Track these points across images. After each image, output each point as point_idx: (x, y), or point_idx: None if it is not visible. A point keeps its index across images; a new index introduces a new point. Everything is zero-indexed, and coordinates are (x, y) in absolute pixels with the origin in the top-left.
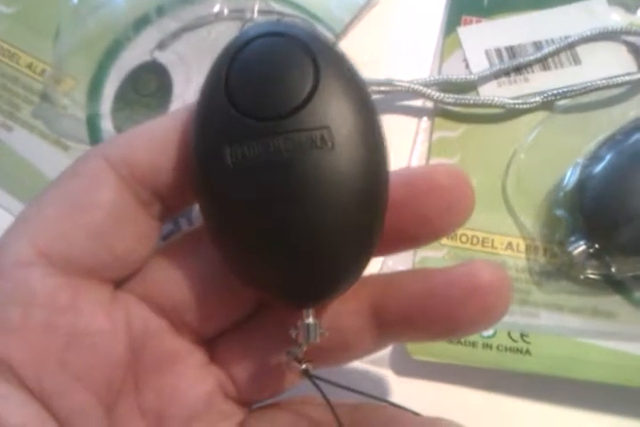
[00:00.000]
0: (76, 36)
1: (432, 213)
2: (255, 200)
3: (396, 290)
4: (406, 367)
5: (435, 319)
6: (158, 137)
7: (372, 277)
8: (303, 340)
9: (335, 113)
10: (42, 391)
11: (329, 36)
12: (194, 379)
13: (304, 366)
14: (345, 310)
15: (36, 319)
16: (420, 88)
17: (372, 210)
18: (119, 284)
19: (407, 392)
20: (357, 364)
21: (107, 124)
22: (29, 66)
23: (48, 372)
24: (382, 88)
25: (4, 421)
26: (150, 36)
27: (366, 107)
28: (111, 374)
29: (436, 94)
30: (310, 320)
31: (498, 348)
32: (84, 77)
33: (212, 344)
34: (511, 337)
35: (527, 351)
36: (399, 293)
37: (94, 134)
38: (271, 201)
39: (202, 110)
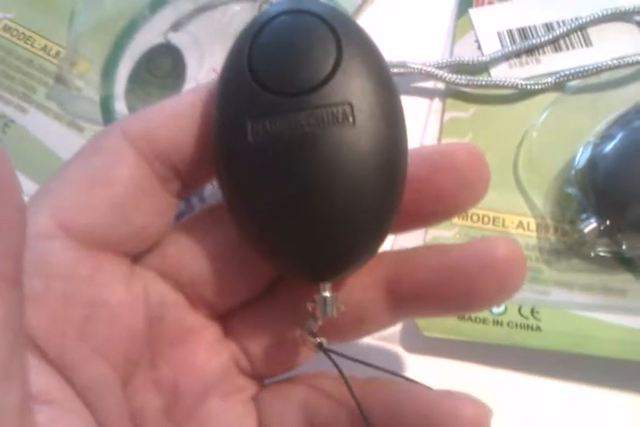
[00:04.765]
0: (91, 17)
1: (449, 190)
2: (275, 175)
3: (412, 265)
4: (416, 344)
5: (450, 294)
6: (179, 113)
7: (387, 253)
8: (320, 314)
9: (357, 89)
10: (62, 362)
11: None
12: (208, 353)
13: (318, 339)
14: (359, 284)
15: (56, 290)
16: (433, 70)
17: (390, 185)
18: (136, 259)
19: (417, 369)
20: (368, 340)
21: (120, 106)
22: (44, 48)
23: (68, 343)
24: (395, 70)
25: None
26: (165, 17)
27: (387, 82)
28: (129, 347)
29: (448, 76)
30: (328, 294)
31: (508, 324)
32: (98, 59)
33: (228, 319)
34: (521, 314)
35: (538, 328)
36: (415, 267)
37: (108, 116)
38: (291, 176)
39: (224, 86)
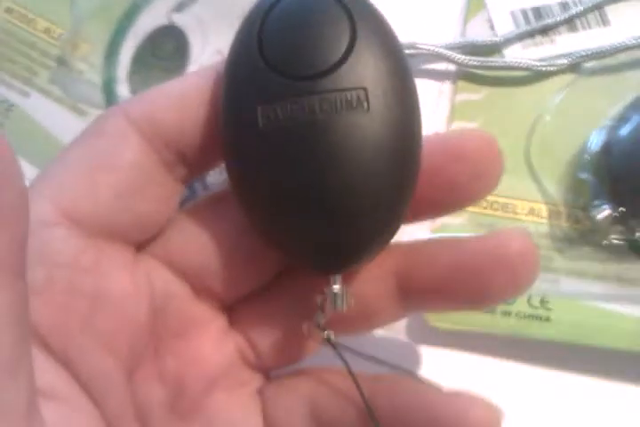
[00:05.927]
0: None
1: (462, 180)
2: (286, 162)
3: (423, 259)
4: (423, 335)
5: (462, 289)
6: (184, 95)
7: (397, 245)
8: (330, 307)
9: (372, 73)
10: (66, 355)
11: None
12: (213, 344)
13: (326, 333)
14: (369, 277)
15: (59, 281)
16: (444, 51)
17: (405, 174)
18: (141, 247)
19: (424, 360)
20: (375, 331)
21: (123, 89)
22: (46, 31)
23: (72, 335)
24: (406, 51)
25: None
26: (166, 0)
27: (403, 66)
28: (134, 338)
29: (459, 57)
30: (338, 287)
31: (517, 315)
32: (100, 42)
33: (233, 310)
34: (531, 304)
35: (547, 318)
36: (426, 262)
37: (110, 99)
38: (303, 163)
39: (232, 68)
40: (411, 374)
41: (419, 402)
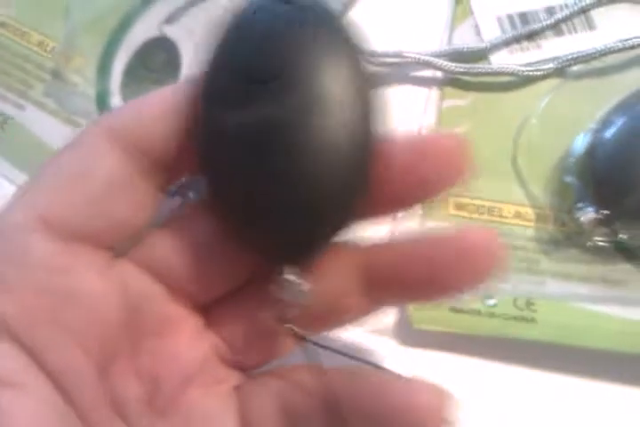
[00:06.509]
0: (86, 13)
1: (431, 176)
2: (249, 160)
3: (385, 252)
4: (410, 337)
5: (422, 280)
6: (158, 107)
7: (363, 242)
8: (285, 296)
9: (329, 78)
10: (33, 345)
11: (337, 4)
12: (189, 343)
13: (288, 325)
14: (334, 272)
15: (30, 280)
16: (430, 59)
17: (358, 173)
18: (120, 253)
19: (411, 362)
20: (360, 333)
21: (116, 101)
22: (40, 44)
23: (40, 327)
24: (392, 60)
25: None
26: (159, 11)
27: (360, 72)
28: (104, 335)
29: (445, 64)
30: (290, 277)
31: (503, 316)
32: (93, 54)
33: (209, 310)
34: (516, 305)
35: (532, 319)
36: (388, 255)
37: (104, 111)
38: (261, 163)
39: (204, 76)
40: (376, 366)
41: (375, 389)
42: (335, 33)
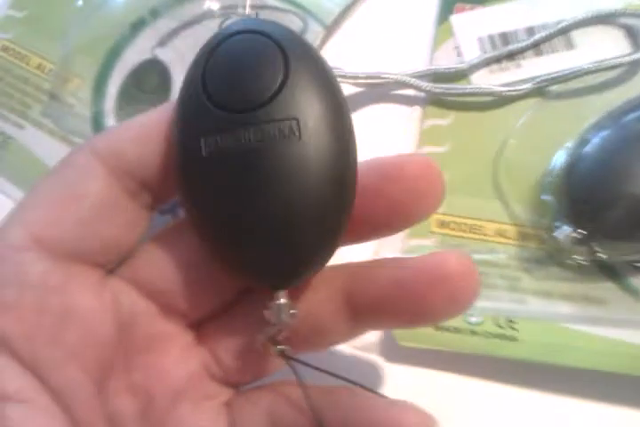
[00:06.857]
0: (81, 36)
1: (400, 200)
2: (225, 188)
3: (366, 278)
4: (395, 354)
5: (403, 307)
6: (144, 130)
7: (346, 265)
8: (275, 319)
9: (303, 105)
10: (35, 364)
11: (318, 28)
12: (179, 359)
13: (279, 346)
14: (318, 296)
15: (28, 299)
16: (410, 80)
17: (338, 196)
18: (111, 269)
19: (396, 379)
20: (347, 350)
21: (111, 122)
22: (39, 66)
23: (41, 346)
24: (372, 81)
25: (1, 389)
26: (149, 36)
27: (334, 98)
28: (101, 352)
29: (425, 85)
30: (281, 301)
31: (484, 334)
32: (89, 76)
33: (200, 327)
34: (498, 324)
35: (514, 338)
36: (369, 280)
37: (98, 132)
38: (239, 189)
39: (181, 103)
40: (362, 386)
41: (361, 411)
42: (308, 61)
